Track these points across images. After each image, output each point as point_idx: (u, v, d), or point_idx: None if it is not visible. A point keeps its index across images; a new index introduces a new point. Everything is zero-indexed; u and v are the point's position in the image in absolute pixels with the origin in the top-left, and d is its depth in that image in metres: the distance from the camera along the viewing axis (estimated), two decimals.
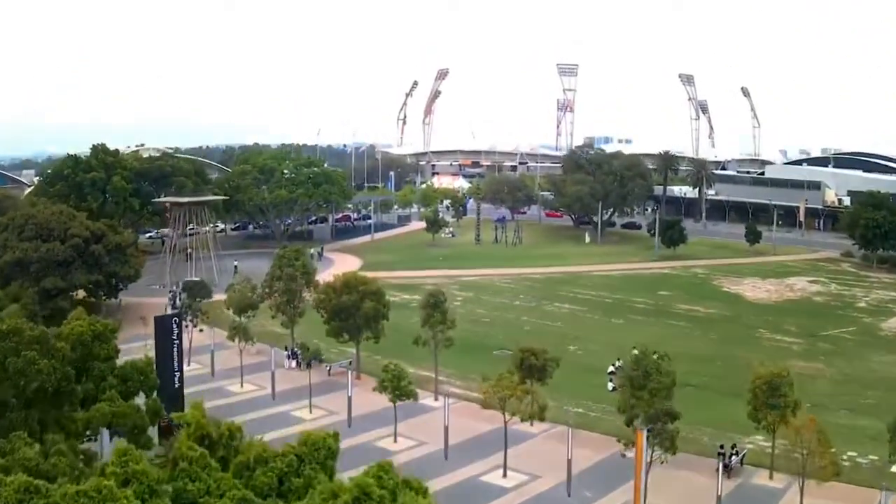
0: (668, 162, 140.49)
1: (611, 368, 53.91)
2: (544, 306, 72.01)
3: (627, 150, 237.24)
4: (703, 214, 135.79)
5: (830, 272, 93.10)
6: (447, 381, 51.03)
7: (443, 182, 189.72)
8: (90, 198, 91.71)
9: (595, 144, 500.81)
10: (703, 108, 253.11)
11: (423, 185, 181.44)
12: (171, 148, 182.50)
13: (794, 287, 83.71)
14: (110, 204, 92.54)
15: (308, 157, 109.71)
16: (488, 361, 56.33)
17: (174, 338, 39.76)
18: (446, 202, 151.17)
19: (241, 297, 57.05)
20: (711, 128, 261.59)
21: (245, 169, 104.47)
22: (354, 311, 47.13)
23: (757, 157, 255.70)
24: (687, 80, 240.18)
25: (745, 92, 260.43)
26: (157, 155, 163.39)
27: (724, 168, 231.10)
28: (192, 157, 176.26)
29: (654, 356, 54.46)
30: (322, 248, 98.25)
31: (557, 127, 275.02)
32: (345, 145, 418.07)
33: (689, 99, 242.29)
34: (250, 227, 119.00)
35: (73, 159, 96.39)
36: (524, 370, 41.44)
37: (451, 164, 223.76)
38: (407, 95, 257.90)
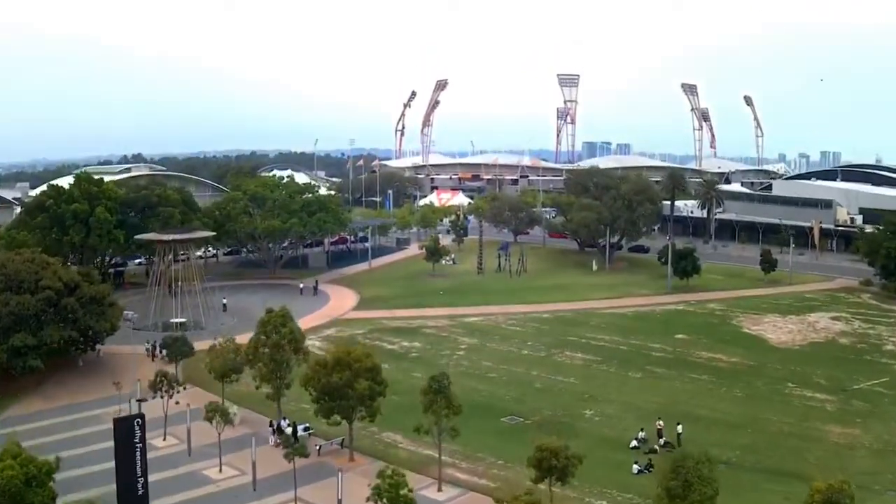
0: (676, 181, 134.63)
1: (633, 443, 48.29)
2: (555, 356, 66.13)
3: (626, 161, 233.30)
4: (713, 236, 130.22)
5: (852, 306, 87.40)
6: (451, 462, 45.10)
7: (442, 198, 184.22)
8: (72, 231, 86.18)
9: (594, 150, 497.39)
10: (704, 116, 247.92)
11: (422, 204, 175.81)
12: (161, 168, 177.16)
13: (816, 326, 77.96)
14: (94, 237, 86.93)
15: (302, 184, 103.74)
16: (498, 433, 50.74)
17: (136, 441, 33.97)
18: (447, 220, 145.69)
19: (223, 360, 51.23)
20: (713, 136, 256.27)
21: (236, 196, 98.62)
22: (347, 392, 41.30)
23: (761, 168, 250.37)
24: (689, 89, 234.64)
25: (748, 101, 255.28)
26: (149, 173, 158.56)
27: (728, 180, 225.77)
28: (186, 174, 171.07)
29: (679, 428, 49.50)
30: (317, 282, 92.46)
31: (557, 135, 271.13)
32: (343, 154, 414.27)
33: (692, 109, 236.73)
34: (244, 251, 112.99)
35: (55, 189, 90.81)
36: (543, 470, 35.75)
37: (450, 178, 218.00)
38: (405, 106, 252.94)
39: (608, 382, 59.82)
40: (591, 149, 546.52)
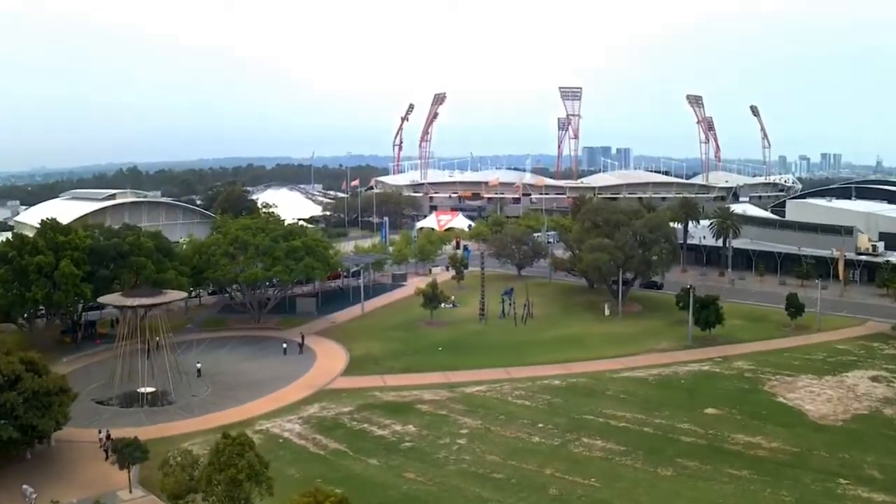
0: (689, 210, 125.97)
1: None
2: (570, 444, 57.02)
3: (631, 177, 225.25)
4: (730, 269, 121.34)
5: (889, 360, 78.49)
6: None
7: (441, 220, 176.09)
8: (35, 286, 77.35)
9: (595, 155, 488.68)
10: (709, 125, 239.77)
11: (420, 226, 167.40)
12: (147, 194, 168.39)
13: (856, 391, 69.10)
14: (59, 293, 78.16)
15: (288, 225, 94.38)
16: None
17: None
18: (447, 247, 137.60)
19: (177, 481, 42.43)
20: (717, 145, 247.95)
21: (217, 240, 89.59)
22: None
23: (769, 181, 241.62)
24: (695, 101, 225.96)
25: (755, 111, 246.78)
26: (134, 200, 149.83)
27: (736, 195, 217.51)
28: (175, 200, 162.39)
29: None
30: (303, 337, 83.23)
31: (559, 146, 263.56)
32: (341, 164, 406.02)
33: (698, 122, 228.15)
34: (227, 293, 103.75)
35: (19, 239, 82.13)
36: None
37: (449, 197, 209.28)
38: (403, 119, 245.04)
39: (635, 484, 50.77)
40: (592, 154, 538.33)
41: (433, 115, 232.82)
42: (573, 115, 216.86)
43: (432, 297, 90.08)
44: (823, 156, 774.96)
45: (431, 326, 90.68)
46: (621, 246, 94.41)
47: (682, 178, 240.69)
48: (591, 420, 61.44)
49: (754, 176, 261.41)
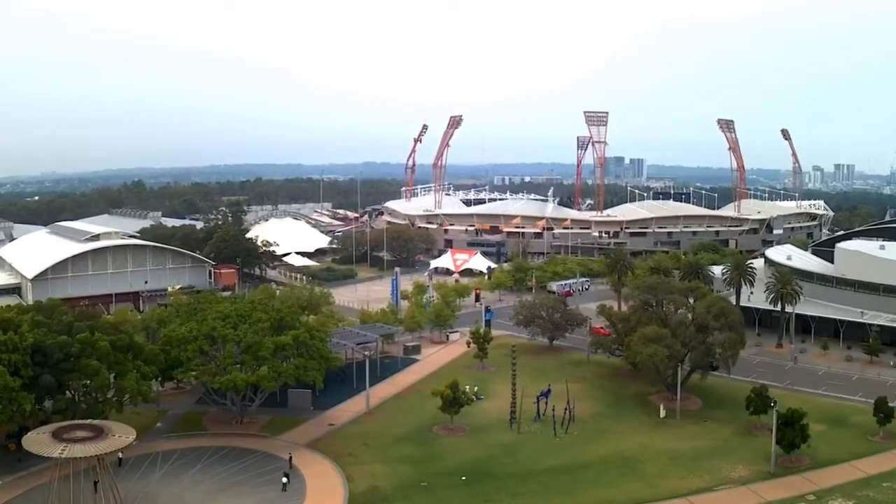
0: (741, 270, 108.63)
1: None
2: None
3: (662, 209, 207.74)
4: (791, 341, 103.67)
5: None
6: None
7: (457, 259, 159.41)
8: None
9: (607, 165, 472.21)
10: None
11: (434, 272, 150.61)
12: (135, 235, 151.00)
13: None
14: None
15: (279, 312, 76.40)
16: None
17: None
18: (466, 299, 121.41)
19: None
20: (742, 167, 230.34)
21: (191, 330, 71.74)
22: None
23: (802, 210, 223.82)
24: (727, 126, 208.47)
25: (786, 134, 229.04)
26: (120, 243, 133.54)
27: (769, 227, 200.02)
28: (164, 243, 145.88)
29: None
30: (290, 459, 65.22)
31: (578, 166, 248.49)
32: (352, 178, 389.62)
33: (729, 148, 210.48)
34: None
35: None
36: None
37: (466, 231, 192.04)
38: (416, 140, 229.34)
39: None
40: (605, 164, 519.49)
41: (448, 138, 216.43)
42: (599, 141, 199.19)
43: (452, 402, 72.62)
44: (837, 166, 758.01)
45: (451, 435, 73.23)
46: (679, 334, 76.98)
47: (703, 189, 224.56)
48: None
49: (782, 199, 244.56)
